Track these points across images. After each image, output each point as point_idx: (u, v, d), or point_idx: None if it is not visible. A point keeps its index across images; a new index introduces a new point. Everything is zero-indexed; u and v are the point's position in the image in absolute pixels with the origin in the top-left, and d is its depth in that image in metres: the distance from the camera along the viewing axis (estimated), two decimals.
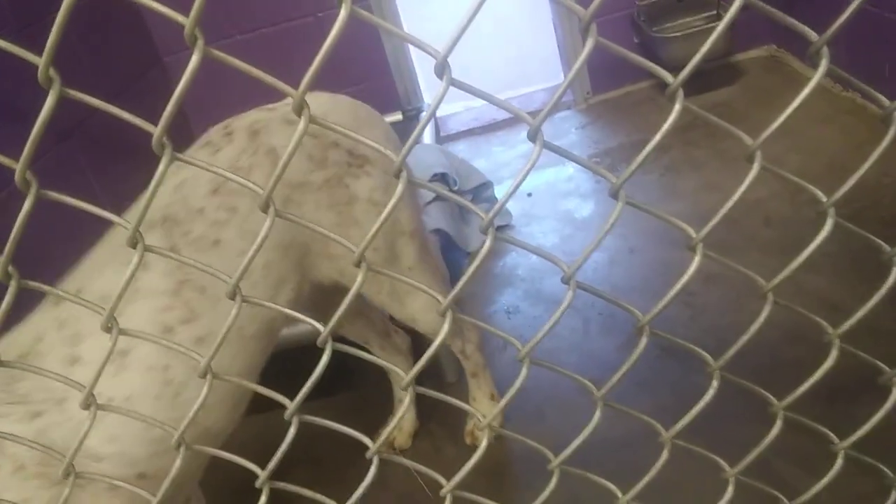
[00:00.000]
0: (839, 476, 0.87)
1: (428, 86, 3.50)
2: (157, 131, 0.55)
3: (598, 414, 0.79)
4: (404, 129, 2.93)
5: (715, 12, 3.27)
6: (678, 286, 0.67)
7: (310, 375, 0.70)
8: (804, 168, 2.50)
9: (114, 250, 1.23)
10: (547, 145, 0.58)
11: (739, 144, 0.61)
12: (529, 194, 2.88)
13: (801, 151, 2.59)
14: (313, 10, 3.17)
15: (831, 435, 0.86)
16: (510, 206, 2.79)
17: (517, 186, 0.60)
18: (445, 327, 0.66)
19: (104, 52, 2.70)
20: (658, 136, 0.57)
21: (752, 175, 0.61)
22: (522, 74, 3.84)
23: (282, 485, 0.79)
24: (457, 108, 3.76)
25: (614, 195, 0.61)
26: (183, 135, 1.38)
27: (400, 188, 0.58)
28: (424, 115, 3.20)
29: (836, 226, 0.65)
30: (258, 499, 0.80)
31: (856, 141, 2.58)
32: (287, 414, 0.73)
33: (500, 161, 3.24)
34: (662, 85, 0.56)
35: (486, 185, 2.78)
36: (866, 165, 0.63)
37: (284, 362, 1.49)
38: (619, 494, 0.86)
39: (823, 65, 0.57)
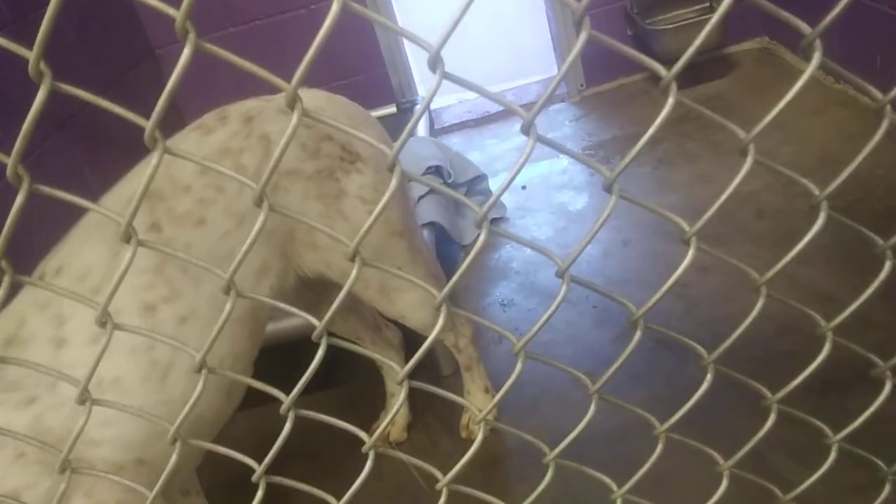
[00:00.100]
0: (833, 469, 0.88)
1: (422, 78, 3.49)
2: (149, 125, 0.55)
3: (592, 407, 0.79)
4: (398, 122, 2.91)
5: (708, 4, 3.28)
6: (671, 280, 0.67)
7: (304, 370, 0.70)
8: (797, 160, 2.51)
9: (90, 229, 1.22)
10: (541, 139, 0.58)
11: (733, 137, 0.61)
12: (524, 187, 2.88)
13: (793, 143, 2.60)
14: (306, 3, 3.16)
15: (825, 428, 0.87)
16: (504, 198, 2.79)
17: (511, 180, 0.59)
18: (440, 322, 0.66)
19: (96, 44, 2.69)
20: (651, 130, 0.57)
21: (746, 169, 0.61)
22: (516, 67, 3.83)
23: (278, 479, 0.79)
24: (450, 101, 3.75)
25: (608, 189, 0.61)
26: (177, 128, 1.37)
27: (394, 183, 0.57)
28: (418, 108, 3.18)
29: (829, 218, 0.65)
30: (255, 493, 0.80)
31: (848, 133, 2.59)
32: (283, 408, 0.73)
33: (494, 154, 3.23)
34: (656, 77, 0.56)
35: (481, 178, 2.78)
36: (859, 159, 0.63)
37: (278, 356, 1.49)
38: (615, 487, 0.87)
39: (816, 57, 0.56)
